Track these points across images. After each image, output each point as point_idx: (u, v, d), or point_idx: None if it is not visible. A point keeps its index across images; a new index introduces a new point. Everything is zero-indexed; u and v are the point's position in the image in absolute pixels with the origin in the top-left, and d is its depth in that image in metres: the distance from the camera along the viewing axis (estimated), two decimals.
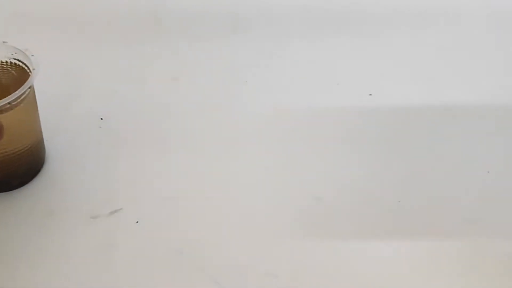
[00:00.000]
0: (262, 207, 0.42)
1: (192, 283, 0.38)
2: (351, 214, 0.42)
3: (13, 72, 0.43)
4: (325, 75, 0.53)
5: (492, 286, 0.37)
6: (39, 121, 0.44)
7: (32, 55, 0.42)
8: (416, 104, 0.49)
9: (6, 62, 0.43)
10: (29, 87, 0.40)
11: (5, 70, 0.43)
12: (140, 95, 0.51)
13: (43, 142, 0.45)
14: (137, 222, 0.41)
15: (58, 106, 0.51)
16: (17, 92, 0.38)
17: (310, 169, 0.45)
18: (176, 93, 0.52)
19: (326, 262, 0.39)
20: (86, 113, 0.50)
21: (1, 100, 0.37)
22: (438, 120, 0.48)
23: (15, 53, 0.42)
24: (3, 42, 0.43)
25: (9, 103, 0.38)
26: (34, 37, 0.59)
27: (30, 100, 0.42)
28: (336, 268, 0.38)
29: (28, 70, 0.42)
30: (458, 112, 0.49)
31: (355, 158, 0.45)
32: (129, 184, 0.44)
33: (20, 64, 0.42)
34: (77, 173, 0.45)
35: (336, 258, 0.39)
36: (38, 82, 0.53)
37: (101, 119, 0.49)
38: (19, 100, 0.39)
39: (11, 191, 0.44)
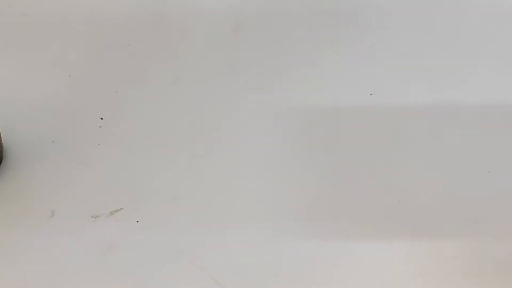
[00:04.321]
0: (262, 207, 0.42)
1: (192, 283, 0.38)
2: (351, 214, 0.42)
3: None
4: (325, 75, 0.53)
5: (492, 286, 0.37)
6: None
7: None
8: (416, 104, 0.49)
9: None
10: None
11: None
12: (140, 95, 0.51)
13: None
14: (138, 221, 0.41)
15: (58, 105, 0.51)
16: None
17: (310, 169, 0.45)
18: (176, 93, 0.52)
19: (326, 262, 0.39)
20: (86, 113, 0.50)
21: None
22: (438, 120, 0.48)
23: None
24: None
25: None
26: (37, 37, 0.59)
27: None
28: (336, 268, 0.38)
29: None
30: (458, 112, 0.49)
31: (355, 158, 0.45)
32: (130, 184, 0.44)
33: None
34: (78, 172, 0.45)
35: (336, 258, 0.39)
36: (39, 81, 0.53)
37: (101, 119, 0.49)
38: None
39: (10, 189, 0.44)
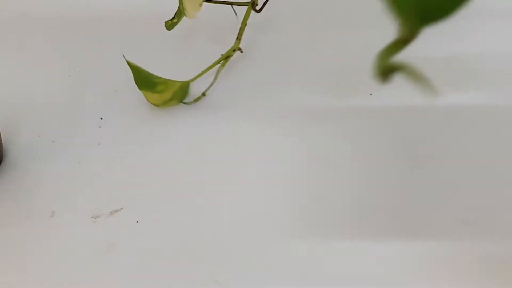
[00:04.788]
0: (262, 207, 0.42)
1: (192, 283, 0.38)
2: (351, 214, 0.42)
3: None
4: (325, 75, 0.53)
5: (491, 286, 0.37)
6: None
7: None
8: (416, 104, 0.49)
9: None
10: None
11: None
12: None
13: None
14: (137, 221, 0.42)
15: (58, 105, 0.51)
16: None
17: (310, 169, 0.45)
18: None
19: (326, 262, 0.39)
20: (86, 113, 0.50)
21: None
22: (439, 120, 0.48)
23: None
24: None
25: None
26: (36, 37, 0.59)
27: None
28: (336, 268, 0.38)
29: None
30: (458, 112, 0.49)
31: (355, 158, 0.45)
32: (129, 184, 0.44)
33: None
34: (78, 172, 0.45)
35: (336, 258, 0.39)
36: (39, 81, 0.54)
37: (101, 119, 0.49)
38: None
39: (10, 189, 0.44)
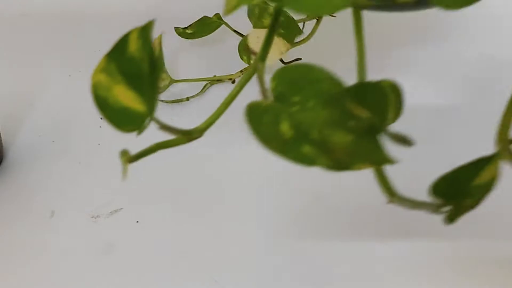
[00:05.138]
0: (262, 207, 0.42)
1: (192, 283, 0.38)
2: (351, 214, 0.42)
3: None
4: None
5: (491, 286, 0.37)
6: None
7: None
8: (416, 104, 0.49)
9: None
10: None
11: None
12: None
13: None
14: (138, 222, 0.42)
15: (58, 105, 0.51)
16: None
17: (310, 169, 0.45)
18: (176, 92, 0.52)
19: (326, 262, 0.39)
20: (85, 113, 0.50)
21: None
22: (438, 119, 0.48)
23: None
24: None
25: None
26: (36, 37, 0.59)
27: None
28: (336, 268, 0.38)
29: None
30: (458, 112, 0.49)
31: None
32: (129, 184, 0.44)
33: None
34: (78, 172, 0.45)
35: (336, 258, 0.39)
36: (39, 81, 0.53)
37: (101, 119, 0.49)
38: None
39: (10, 189, 0.44)
